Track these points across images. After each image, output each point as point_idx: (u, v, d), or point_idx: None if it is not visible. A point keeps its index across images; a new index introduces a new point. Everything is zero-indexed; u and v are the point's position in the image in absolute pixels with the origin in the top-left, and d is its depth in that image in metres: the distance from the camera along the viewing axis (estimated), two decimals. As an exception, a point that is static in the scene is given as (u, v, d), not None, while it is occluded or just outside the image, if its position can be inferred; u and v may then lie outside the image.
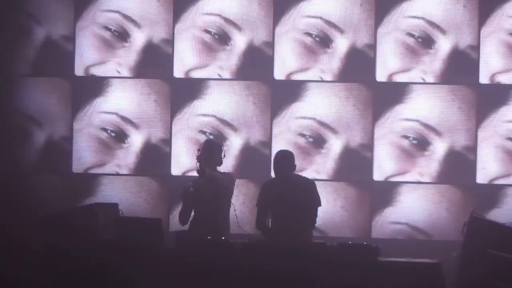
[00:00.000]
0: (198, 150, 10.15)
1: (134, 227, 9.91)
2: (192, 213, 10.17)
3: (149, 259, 8.97)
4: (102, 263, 8.92)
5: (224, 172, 10.27)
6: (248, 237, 10.04)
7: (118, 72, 12.83)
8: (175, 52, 12.71)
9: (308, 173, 11.70)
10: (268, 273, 8.80)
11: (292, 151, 10.66)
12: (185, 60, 12.72)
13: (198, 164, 9.95)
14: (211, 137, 12.37)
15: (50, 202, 12.07)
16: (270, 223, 10.04)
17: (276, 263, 8.94)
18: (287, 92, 12.57)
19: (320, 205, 10.01)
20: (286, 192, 9.78)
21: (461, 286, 9.55)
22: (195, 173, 10.25)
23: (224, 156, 10.28)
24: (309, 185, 10.05)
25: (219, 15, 12.67)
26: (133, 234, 9.58)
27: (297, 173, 10.33)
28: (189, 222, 10.26)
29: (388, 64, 12.37)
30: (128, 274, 8.77)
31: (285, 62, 12.51)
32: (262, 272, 8.84)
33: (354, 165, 12.34)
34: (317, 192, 10.01)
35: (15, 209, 11.87)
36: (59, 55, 12.86)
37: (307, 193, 9.89)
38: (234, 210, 10.22)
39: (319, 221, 10.81)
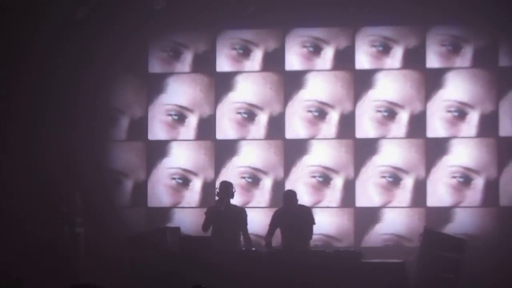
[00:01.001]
0: (217, 188, 10.59)
1: (192, 243, 10.24)
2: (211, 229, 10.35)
3: (196, 265, 9.26)
4: (167, 269, 9.18)
5: (236, 205, 10.56)
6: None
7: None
8: (217, 126, 12.94)
9: (323, 203, 12.50)
10: (287, 272, 9.08)
11: (306, 188, 12.19)
12: (226, 131, 12.99)
13: (217, 198, 10.38)
14: (250, 180, 12.71)
15: (134, 227, 12.18)
16: (281, 239, 10.37)
17: (291, 265, 9.28)
18: (297, 149, 12.75)
19: (314, 223, 10.34)
20: (293, 217, 10.15)
21: (419, 279, 9.74)
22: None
23: (235, 191, 10.52)
24: (308, 211, 10.53)
25: (245, 102, 12.91)
26: (191, 247, 9.92)
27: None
28: (210, 234, 10.38)
29: (364, 127, 12.61)
30: (185, 276, 8.78)
31: (295, 129, 12.79)
32: (282, 272, 9.15)
33: (351, 196, 12.55)
34: (313, 215, 10.43)
35: (107, 232, 12.00)
36: (137, 128, 13.12)
37: (307, 217, 10.29)
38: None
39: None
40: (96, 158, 12.77)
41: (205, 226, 10.32)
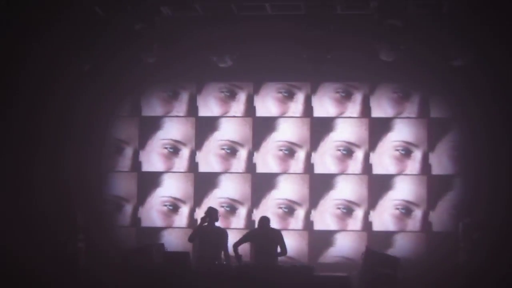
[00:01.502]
0: (205, 213, 10.69)
1: (173, 257, 10.46)
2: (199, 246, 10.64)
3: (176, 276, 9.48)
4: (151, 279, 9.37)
5: (219, 227, 10.74)
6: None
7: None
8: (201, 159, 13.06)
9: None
10: (254, 282, 9.33)
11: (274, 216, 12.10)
12: (210, 163, 13.00)
13: (204, 219, 10.59)
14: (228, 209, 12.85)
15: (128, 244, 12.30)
16: (253, 254, 10.76)
17: (258, 276, 9.49)
18: (266, 182, 12.89)
19: (284, 242, 10.53)
20: (264, 237, 10.41)
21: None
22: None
23: (220, 216, 10.91)
24: (278, 233, 10.71)
25: (228, 140, 12.97)
26: (172, 260, 10.16)
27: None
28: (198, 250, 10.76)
29: (327, 164, 12.79)
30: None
31: (267, 164, 12.88)
32: (250, 283, 9.36)
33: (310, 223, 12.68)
34: (282, 236, 10.62)
35: (105, 247, 11.90)
36: (136, 161, 13.16)
37: (276, 238, 10.51)
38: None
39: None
40: (99, 184, 12.90)
41: (191, 238, 10.61)
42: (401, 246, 12.20)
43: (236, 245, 10.34)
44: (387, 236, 12.36)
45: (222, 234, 10.57)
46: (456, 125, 12.34)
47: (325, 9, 10.69)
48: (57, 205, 11.66)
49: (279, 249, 10.43)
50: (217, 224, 10.59)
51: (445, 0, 10.55)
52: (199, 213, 12.44)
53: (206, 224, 10.56)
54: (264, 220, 10.64)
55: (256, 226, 10.78)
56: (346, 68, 12.16)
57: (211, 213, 10.67)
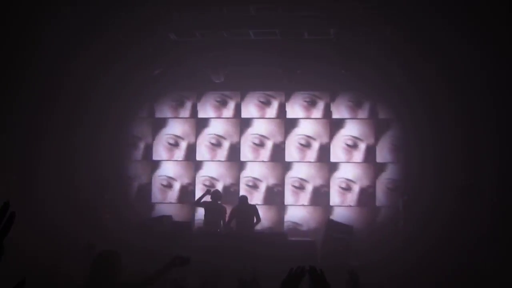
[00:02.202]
0: (211, 194, 11.02)
1: (178, 225, 10.94)
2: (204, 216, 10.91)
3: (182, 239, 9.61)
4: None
5: (220, 204, 11.00)
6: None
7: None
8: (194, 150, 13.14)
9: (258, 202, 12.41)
10: (238, 246, 9.32)
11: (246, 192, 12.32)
12: (201, 152, 13.15)
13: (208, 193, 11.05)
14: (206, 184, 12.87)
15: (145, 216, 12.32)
16: (236, 225, 10.71)
17: (242, 241, 9.58)
18: (243, 167, 12.93)
19: (259, 215, 10.79)
20: (244, 212, 10.68)
21: (324, 251, 10.06)
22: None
23: (221, 198, 11.20)
24: (254, 208, 10.91)
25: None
26: (178, 228, 10.59)
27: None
28: (202, 221, 11.06)
29: (292, 153, 12.91)
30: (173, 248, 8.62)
31: (246, 154, 12.94)
32: (236, 246, 9.37)
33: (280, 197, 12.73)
34: (257, 210, 10.86)
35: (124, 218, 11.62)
36: (149, 151, 13.23)
37: (253, 212, 10.74)
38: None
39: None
40: (118, 171, 12.94)
41: (196, 203, 11.24)
42: (352, 217, 12.27)
43: (228, 222, 10.69)
44: (339, 209, 12.47)
45: (222, 209, 10.92)
46: (395, 124, 12.54)
47: (295, 35, 10.83)
48: (92, 184, 11.64)
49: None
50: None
51: (388, 25, 10.43)
52: (192, 189, 12.92)
53: (210, 201, 10.90)
54: (243, 198, 11.01)
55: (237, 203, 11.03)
56: (312, 80, 12.32)
57: (217, 194, 11.07)
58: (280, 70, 11.76)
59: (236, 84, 12.71)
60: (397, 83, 11.66)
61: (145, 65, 11.86)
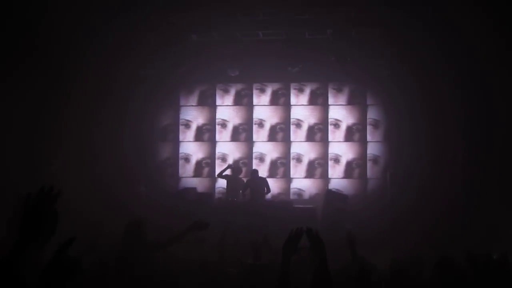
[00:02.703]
0: (232, 167, 11.25)
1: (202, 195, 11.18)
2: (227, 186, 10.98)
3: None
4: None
5: (240, 177, 11.20)
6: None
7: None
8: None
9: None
10: (253, 212, 9.59)
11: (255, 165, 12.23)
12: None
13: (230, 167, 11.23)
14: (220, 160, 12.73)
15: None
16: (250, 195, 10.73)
17: (256, 208, 9.88)
18: (248, 145, 12.77)
19: (268, 185, 10.85)
20: (256, 183, 10.74)
21: (323, 216, 10.19)
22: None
23: (241, 172, 11.42)
24: (264, 180, 11.03)
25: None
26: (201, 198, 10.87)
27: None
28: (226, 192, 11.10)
29: (288, 132, 12.82)
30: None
31: (247, 131, 12.83)
32: (250, 212, 9.67)
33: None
34: (267, 181, 10.95)
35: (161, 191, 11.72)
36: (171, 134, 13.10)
37: (263, 183, 10.83)
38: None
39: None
40: (146, 151, 12.63)
41: (219, 174, 11.20)
42: (347, 187, 12.19)
43: (243, 191, 10.81)
44: (336, 180, 12.37)
45: (241, 182, 11.05)
46: (379, 108, 12.44)
47: (297, 35, 10.89)
48: (129, 161, 11.60)
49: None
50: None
51: (377, 28, 10.48)
52: (212, 164, 12.77)
53: (231, 174, 11.04)
54: (254, 172, 11.05)
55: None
56: (310, 74, 12.29)
57: (238, 169, 11.28)
58: (284, 65, 11.88)
59: (247, 77, 12.58)
60: (382, 76, 11.75)
61: (171, 62, 11.88)
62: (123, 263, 4.53)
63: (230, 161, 12.59)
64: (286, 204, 10.94)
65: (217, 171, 11.99)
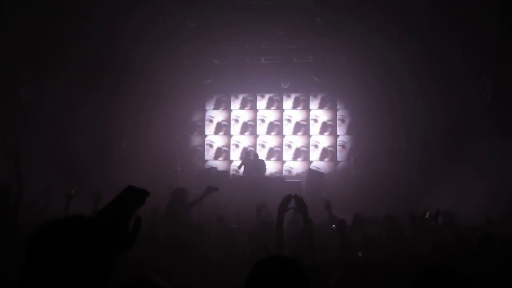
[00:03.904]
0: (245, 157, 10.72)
1: (221, 173, 10.82)
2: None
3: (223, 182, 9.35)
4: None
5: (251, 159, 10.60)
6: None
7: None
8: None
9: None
10: (251, 186, 9.38)
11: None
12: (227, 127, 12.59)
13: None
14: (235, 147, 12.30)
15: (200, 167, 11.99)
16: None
17: (253, 183, 9.60)
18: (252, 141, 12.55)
19: (265, 165, 10.60)
20: (255, 164, 10.37)
21: (307, 187, 10.01)
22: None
23: (250, 154, 10.81)
24: (262, 161, 10.75)
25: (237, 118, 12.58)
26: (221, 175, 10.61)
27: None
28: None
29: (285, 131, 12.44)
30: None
31: (253, 126, 12.60)
32: (249, 186, 9.41)
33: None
34: (264, 163, 10.68)
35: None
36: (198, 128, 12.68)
37: (261, 164, 10.61)
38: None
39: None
40: (183, 142, 12.31)
41: (239, 167, 10.49)
42: (323, 167, 11.80)
43: (246, 171, 10.42)
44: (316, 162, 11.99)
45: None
46: (345, 110, 12.07)
47: (288, 60, 10.83)
48: (170, 147, 11.29)
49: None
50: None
51: (344, 54, 10.40)
52: (228, 150, 12.35)
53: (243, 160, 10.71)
54: (256, 155, 10.77)
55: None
56: (297, 86, 11.96)
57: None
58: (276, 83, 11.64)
59: (252, 88, 12.37)
60: (348, 88, 11.50)
61: (199, 78, 11.86)
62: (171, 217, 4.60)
63: (240, 148, 12.32)
64: (280, 179, 10.88)
65: (232, 155, 11.86)
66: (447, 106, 7.83)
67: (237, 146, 12.49)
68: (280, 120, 12.58)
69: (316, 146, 12.24)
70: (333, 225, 4.08)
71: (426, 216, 4.56)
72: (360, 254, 3.47)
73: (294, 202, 3.07)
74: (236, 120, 12.70)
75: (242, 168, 10.49)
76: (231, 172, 11.93)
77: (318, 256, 2.95)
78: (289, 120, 12.50)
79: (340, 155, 12.13)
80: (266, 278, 1.22)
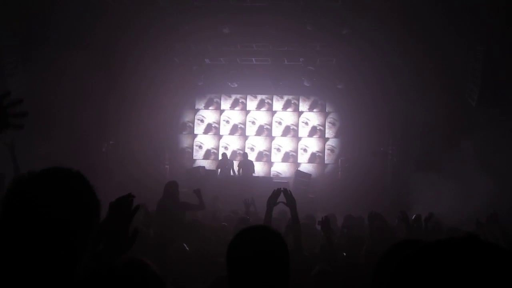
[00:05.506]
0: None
1: (209, 172, 10.57)
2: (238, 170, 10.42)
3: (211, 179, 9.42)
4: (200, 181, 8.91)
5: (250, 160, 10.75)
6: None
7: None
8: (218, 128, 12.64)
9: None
10: (243, 184, 9.20)
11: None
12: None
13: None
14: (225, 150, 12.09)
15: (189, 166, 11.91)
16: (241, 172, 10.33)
17: (244, 182, 9.48)
18: (243, 137, 12.60)
19: (254, 166, 10.62)
20: (245, 164, 10.43)
21: (293, 188, 9.41)
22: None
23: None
24: (251, 162, 10.75)
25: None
26: (209, 173, 10.34)
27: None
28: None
29: (275, 130, 12.46)
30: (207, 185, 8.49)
31: (246, 129, 12.59)
32: (242, 184, 9.24)
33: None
34: (253, 164, 10.68)
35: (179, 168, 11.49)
36: (188, 128, 12.75)
37: (251, 165, 10.60)
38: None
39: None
40: (172, 140, 12.25)
41: (234, 172, 10.41)
42: (311, 170, 11.68)
43: (238, 170, 10.42)
44: (304, 164, 12.05)
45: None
46: (334, 113, 12.21)
47: (279, 61, 10.64)
48: (159, 146, 11.19)
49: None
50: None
51: (334, 58, 10.37)
52: (216, 152, 12.21)
53: (222, 160, 10.64)
54: (245, 155, 10.85)
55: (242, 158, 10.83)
56: (287, 89, 11.87)
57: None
58: (271, 84, 11.55)
59: (243, 89, 12.32)
60: (337, 92, 11.58)
61: (193, 79, 11.74)
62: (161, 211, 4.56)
63: (230, 150, 12.25)
64: (268, 179, 10.88)
65: (220, 156, 11.64)
66: (434, 111, 7.86)
67: (226, 148, 12.42)
68: (270, 122, 12.60)
69: (305, 150, 12.27)
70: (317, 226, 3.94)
71: (413, 218, 4.54)
72: (344, 254, 3.41)
73: (283, 196, 3.06)
74: (227, 121, 12.66)
75: (240, 170, 10.54)
76: (219, 171, 11.95)
77: (304, 251, 2.89)
78: (279, 123, 12.52)
79: (328, 158, 12.25)
80: (247, 245, 1.24)
